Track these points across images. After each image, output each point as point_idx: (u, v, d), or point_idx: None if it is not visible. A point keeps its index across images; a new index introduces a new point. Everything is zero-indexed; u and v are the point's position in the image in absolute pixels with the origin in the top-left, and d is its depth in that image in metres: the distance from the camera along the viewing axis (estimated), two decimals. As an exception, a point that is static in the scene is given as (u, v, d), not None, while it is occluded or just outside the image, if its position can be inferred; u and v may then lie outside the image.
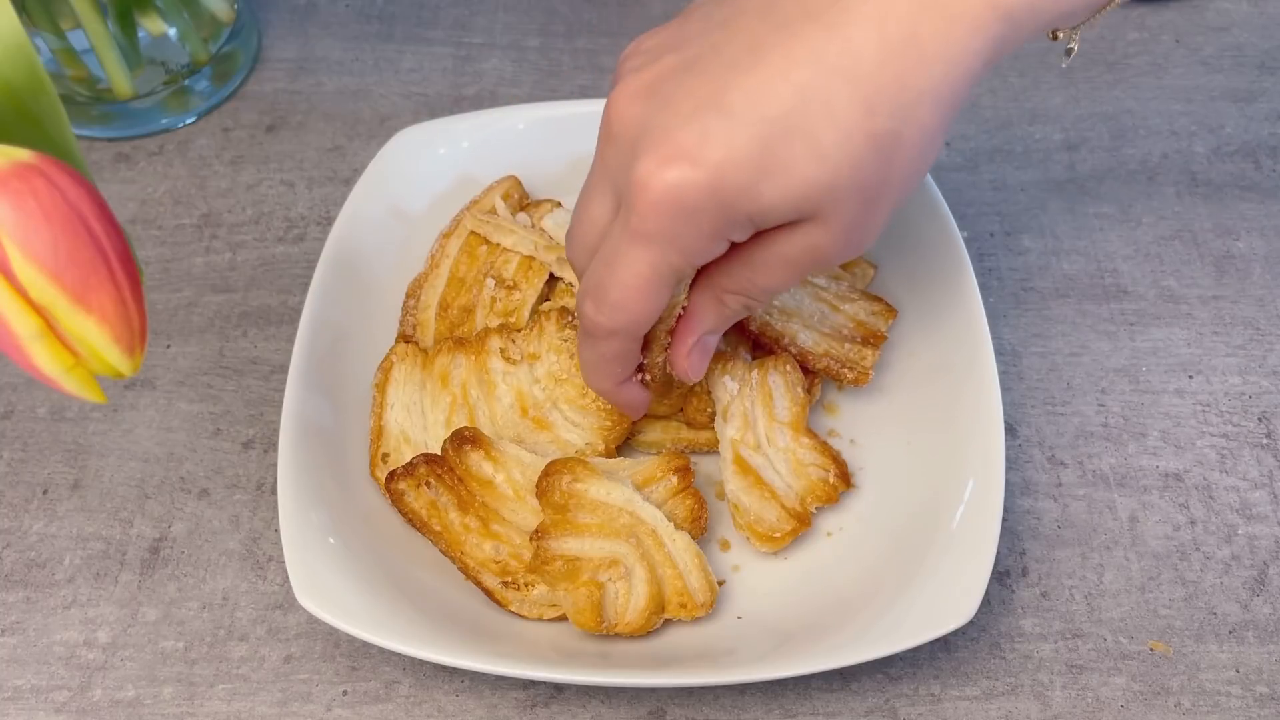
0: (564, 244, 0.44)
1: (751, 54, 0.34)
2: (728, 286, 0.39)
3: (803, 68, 0.33)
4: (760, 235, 0.36)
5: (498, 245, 0.53)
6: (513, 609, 0.44)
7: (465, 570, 0.44)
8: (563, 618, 0.44)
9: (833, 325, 0.49)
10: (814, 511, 0.46)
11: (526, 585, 0.43)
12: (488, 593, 0.44)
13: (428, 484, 0.44)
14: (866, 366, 0.48)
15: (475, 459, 0.45)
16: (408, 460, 0.46)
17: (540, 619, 0.44)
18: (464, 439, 0.44)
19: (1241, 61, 0.66)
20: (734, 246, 0.37)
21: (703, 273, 0.39)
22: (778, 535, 0.45)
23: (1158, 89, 0.64)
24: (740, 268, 0.38)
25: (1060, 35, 0.38)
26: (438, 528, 0.44)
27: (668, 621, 0.44)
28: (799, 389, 0.47)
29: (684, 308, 0.41)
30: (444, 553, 0.44)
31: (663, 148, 0.34)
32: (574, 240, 0.40)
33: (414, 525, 0.45)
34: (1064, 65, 0.40)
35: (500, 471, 0.45)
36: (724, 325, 0.41)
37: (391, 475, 0.44)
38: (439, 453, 0.45)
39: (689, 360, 0.42)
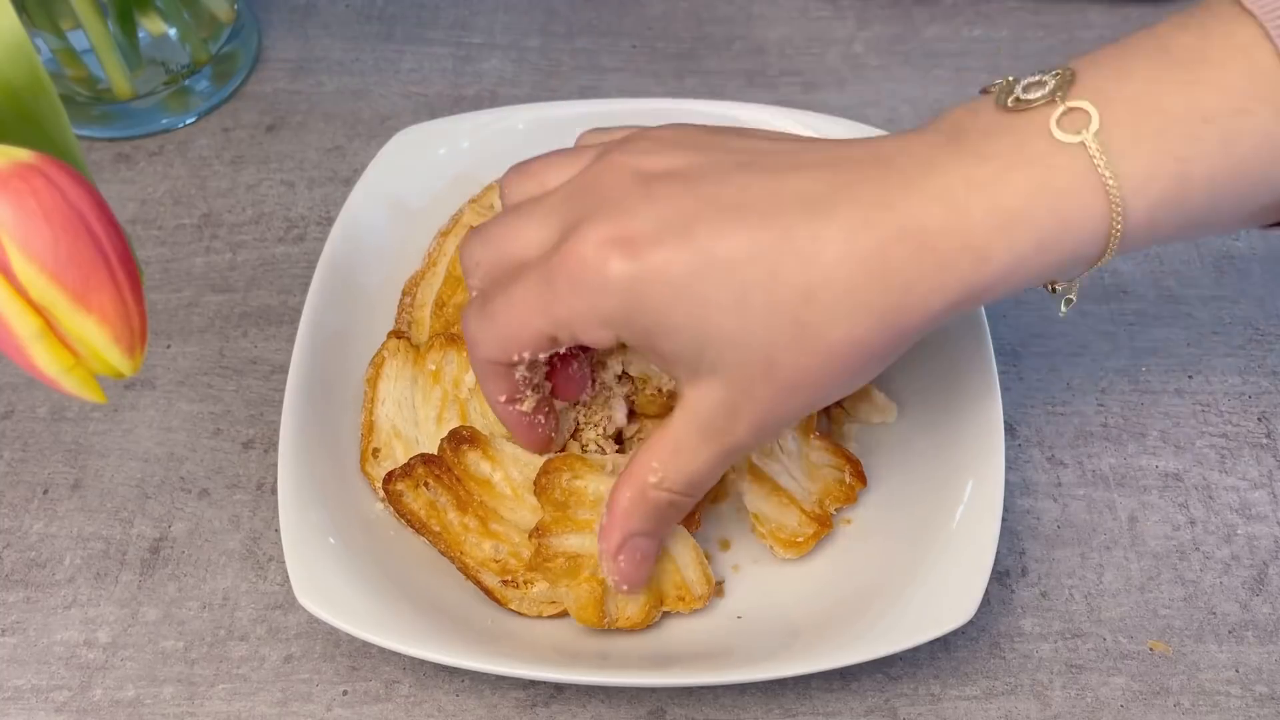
0: None
1: (737, 204, 0.35)
2: (649, 484, 0.38)
3: (770, 233, 0.34)
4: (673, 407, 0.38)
5: None
6: (512, 607, 0.44)
7: (465, 570, 0.44)
8: (562, 614, 0.44)
9: None
10: (834, 513, 0.46)
11: (526, 583, 0.43)
12: (487, 591, 0.44)
13: (426, 485, 0.44)
14: None
15: (473, 458, 0.45)
16: (400, 457, 0.47)
17: (540, 616, 0.44)
18: (462, 438, 0.44)
19: (1241, 61, 0.66)
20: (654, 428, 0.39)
21: (625, 474, 0.40)
22: (800, 540, 0.45)
23: (1158, 89, 0.64)
24: (655, 466, 0.38)
25: (1058, 288, 0.38)
26: (437, 528, 0.44)
27: (666, 615, 0.44)
28: None
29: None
30: (443, 553, 0.44)
31: (619, 222, 0.35)
32: (490, 239, 0.39)
33: (412, 526, 0.44)
34: (1061, 314, 0.39)
35: (498, 470, 0.45)
36: (653, 524, 0.40)
37: (389, 477, 0.44)
38: (435, 453, 0.45)
39: (618, 562, 0.40)
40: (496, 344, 0.38)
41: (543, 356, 0.38)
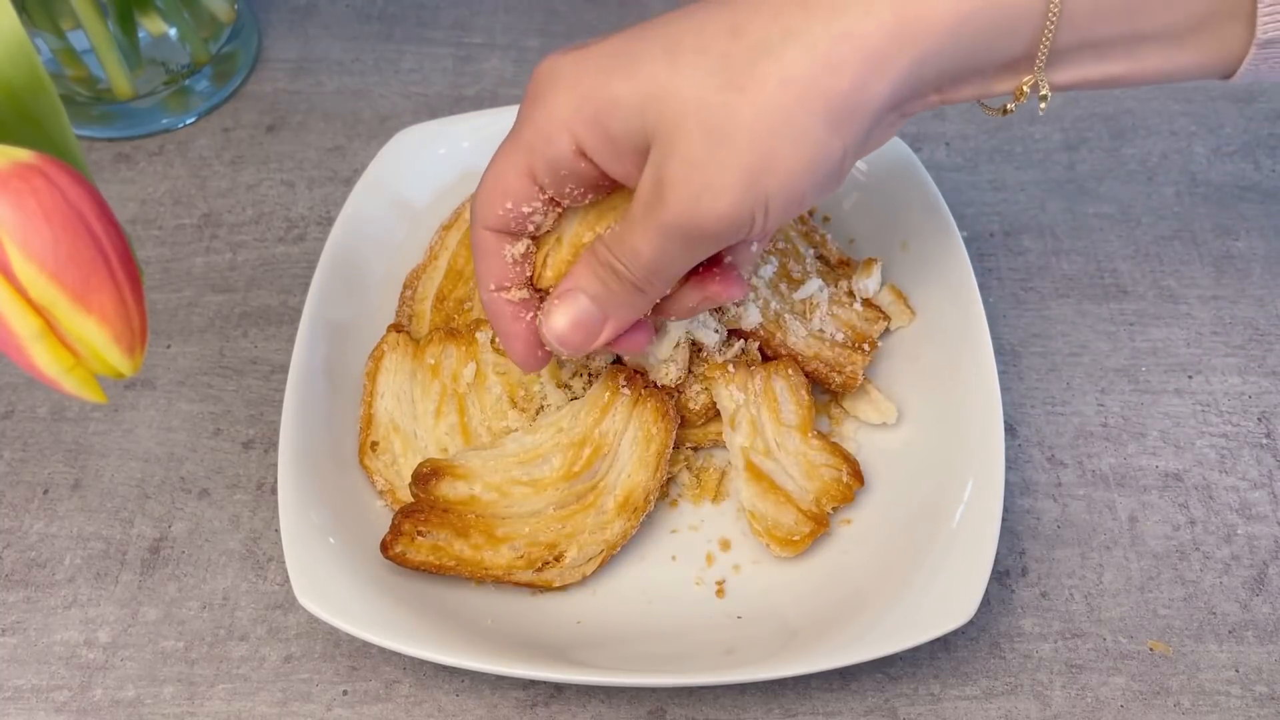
0: None
1: (664, 15, 0.37)
2: (599, 240, 0.39)
3: (696, 4, 0.36)
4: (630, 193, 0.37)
5: None
6: (556, 585, 0.44)
7: (498, 581, 0.44)
8: (600, 566, 0.44)
9: (825, 329, 0.49)
10: (830, 513, 0.46)
11: (557, 560, 0.44)
12: (528, 585, 0.44)
13: (420, 533, 0.44)
14: (855, 372, 0.48)
15: (446, 485, 0.45)
16: (398, 451, 0.47)
17: (583, 579, 0.44)
18: (426, 475, 0.44)
19: (1241, 61, 0.66)
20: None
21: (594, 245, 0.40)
22: (797, 539, 0.45)
23: (1157, 89, 0.64)
24: (614, 227, 0.38)
25: (1025, 88, 0.37)
26: (452, 564, 0.44)
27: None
28: (803, 392, 0.47)
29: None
30: (469, 578, 0.44)
31: (555, 52, 0.37)
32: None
33: (432, 573, 0.44)
34: (1041, 111, 0.38)
35: (475, 483, 0.45)
36: (597, 291, 0.39)
37: (384, 545, 0.44)
38: (411, 498, 0.45)
39: (559, 310, 0.40)
40: (485, 200, 0.39)
41: (529, 215, 0.39)
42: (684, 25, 0.35)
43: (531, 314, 0.42)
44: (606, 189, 0.39)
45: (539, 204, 0.39)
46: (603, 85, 0.35)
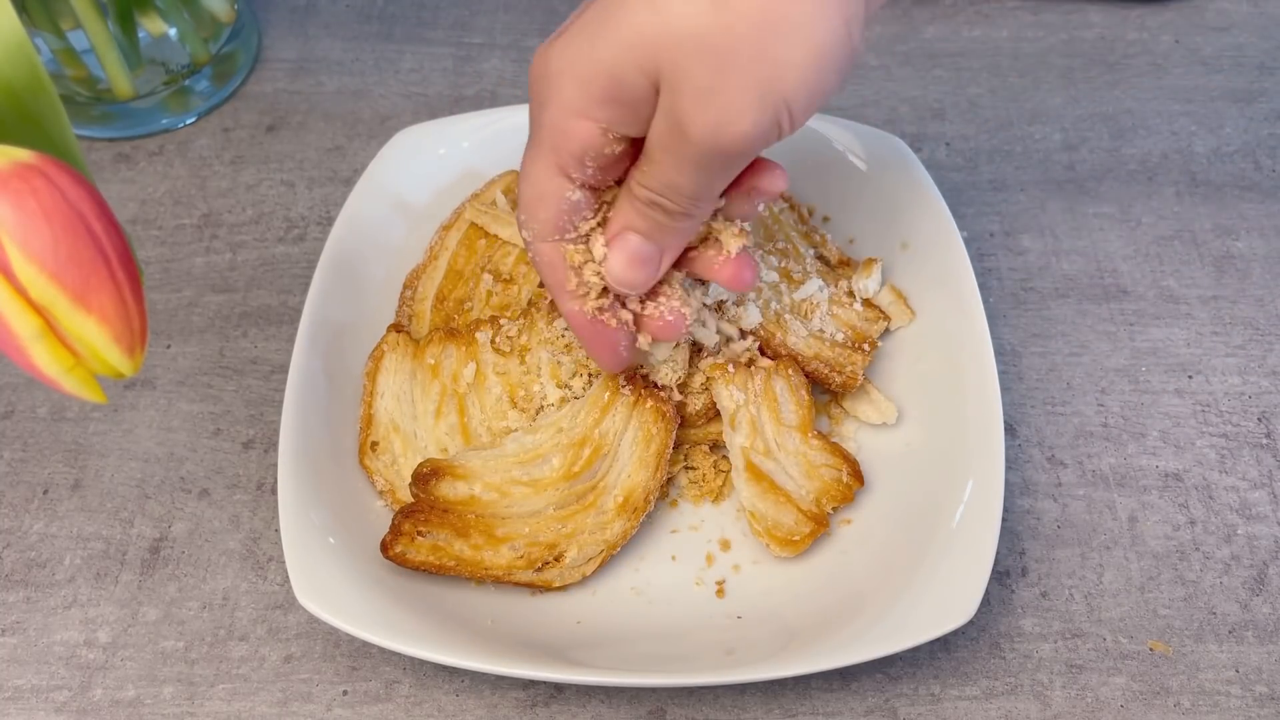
0: None
1: None
2: (633, 179, 0.39)
3: None
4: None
5: (496, 238, 0.53)
6: (556, 585, 0.44)
7: (498, 581, 0.44)
8: (600, 565, 0.44)
9: (825, 329, 0.49)
10: (830, 513, 0.46)
11: (557, 560, 0.44)
12: (528, 585, 0.44)
13: (420, 533, 0.44)
14: (855, 372, 0.48)
15: (446, 485, 0.45)
16: (398, 451, 0.47)
17: (583, 579, 0.44)
18: (425, 475, 0.44)
19: (1241, 61, 0.66)
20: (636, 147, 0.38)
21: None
22: (797, 539, 0.45)
23: (1157, 89, 0.64)
24: (640, 163, 0.38)
25: None
26: (452, 564, 0.44)
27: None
28: (803, 392, 0.47)
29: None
30: (469, 578, 0.44)
31: (539, 47, 0.37)
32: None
33: (432, 573, 0.44)
34: None
35: (475, 483, 0.45)
36: (647, 226, 0.40)
37: (384, 545, 0.44)
38: (411, 498, 0.45)
39: (613, 252, 0.40)
40: (529, 212, 0.40)
41: (587, 174, 0.39)
42: None
43: (611, 317, 0.42)
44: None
45: (580, 195, 0.39)
46: (597, 59, 0.35)
